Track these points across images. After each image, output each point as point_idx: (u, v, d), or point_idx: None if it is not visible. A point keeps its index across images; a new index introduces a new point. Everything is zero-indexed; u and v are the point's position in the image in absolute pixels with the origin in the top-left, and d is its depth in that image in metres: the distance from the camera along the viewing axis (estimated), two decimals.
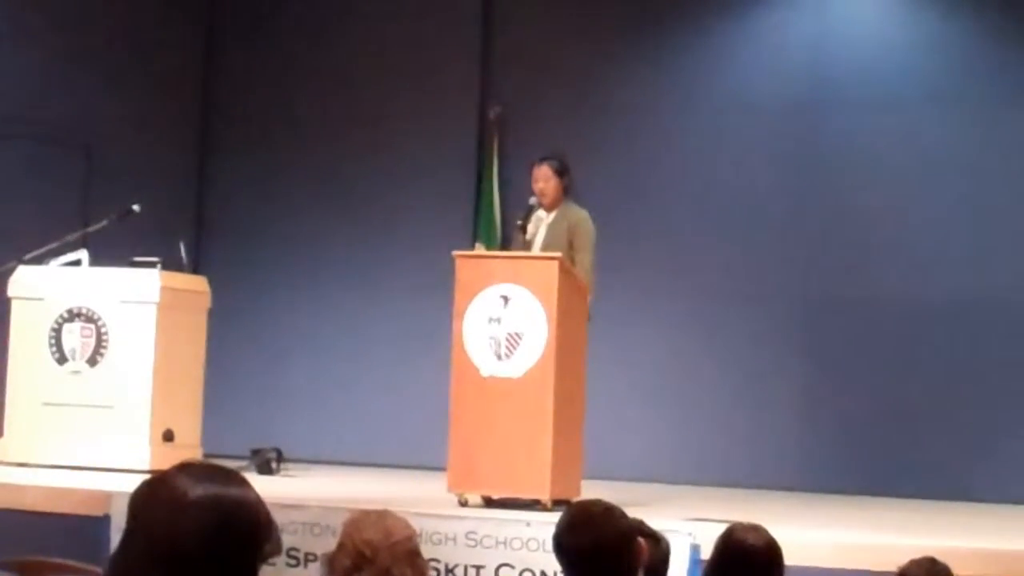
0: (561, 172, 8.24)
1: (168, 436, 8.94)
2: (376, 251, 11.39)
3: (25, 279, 9.11)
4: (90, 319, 8.99)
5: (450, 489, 7.68)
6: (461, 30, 11.47)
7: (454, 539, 6.75)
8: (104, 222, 9.35)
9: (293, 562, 6.84)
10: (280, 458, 9.74)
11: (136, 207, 9.29)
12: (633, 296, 10.47)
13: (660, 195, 10.87)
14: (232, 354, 10.94)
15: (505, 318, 7.59)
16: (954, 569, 4.45)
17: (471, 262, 7.85)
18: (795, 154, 10.64)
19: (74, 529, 7.20)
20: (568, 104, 11.03)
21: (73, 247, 9.24)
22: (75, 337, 9.00)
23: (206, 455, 8.94)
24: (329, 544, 3.98)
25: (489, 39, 11.45)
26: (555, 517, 3.97)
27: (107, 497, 7.16)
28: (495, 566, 6.70)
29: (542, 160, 8.31)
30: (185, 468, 2.30)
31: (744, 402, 10.57)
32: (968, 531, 7.96)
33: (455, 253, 7.86)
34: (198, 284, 9.47)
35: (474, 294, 7.65)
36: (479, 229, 11.01)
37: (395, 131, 11.45)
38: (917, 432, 10.17)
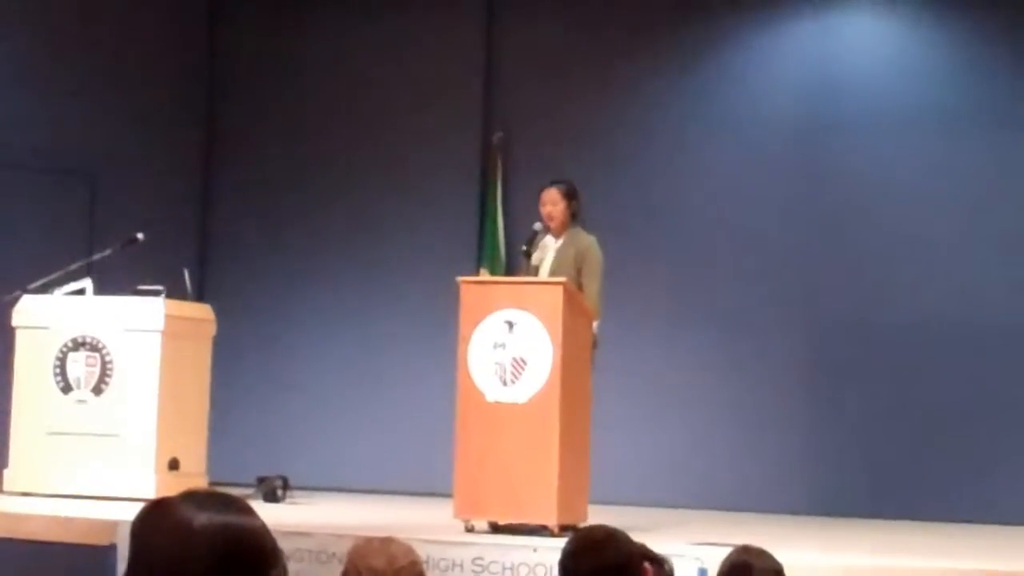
0: (569, 196, 8.23)
1: (174, 464, 8.93)
2: (380, 277, 11.39)
3: (30, 308, 9.11)
4: (95, 348, 8.99)
5: (456, 515, 7.66)
6: (464, 55, 11.49)
7: (461, 565, 6.73)
8: (108, 251, 9.36)
9: None
10: (286, 486, 9.73)
11: (140, 235, 9.30)
12: (639, 320, 10.46)
13: (664, 219, 10.86)
14: (237, 382, 10.94)
15: (510, 343, 7.57)
16: None
17: (476, 287, 7.84)
18: (806, 175, 10.61)
19: (80, 558, 7.19)
20: (571, 128, 11.03)
21: (77, 276, 9.24)
22: (80, 366, 9.00)
23: (212, 483, 8.92)
24: (336, 571, 3.97)
25: (492, 63, 11.46)
26: (562, 543, 3.95)
27: (113, 526, 7.14)
28: None
29: (551, 184, 8.32)
30: (189, 496, 2.29)
31: (751, 425, 10.54)
32: (978, 552, 7.93)
33: (459, 279, 7.85)
34: (203, 312, 9.46)
35: (479, 319, 7.64)
36: (483, 254, 11.00)
37: (399, 157, 11.46)
38: (925, 455, 10.15)
